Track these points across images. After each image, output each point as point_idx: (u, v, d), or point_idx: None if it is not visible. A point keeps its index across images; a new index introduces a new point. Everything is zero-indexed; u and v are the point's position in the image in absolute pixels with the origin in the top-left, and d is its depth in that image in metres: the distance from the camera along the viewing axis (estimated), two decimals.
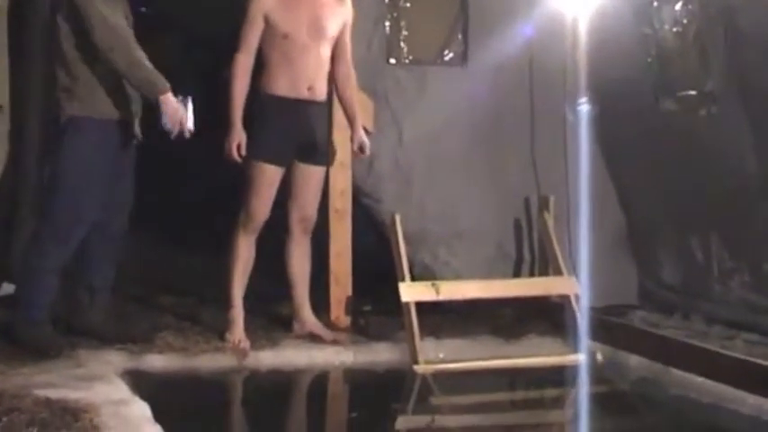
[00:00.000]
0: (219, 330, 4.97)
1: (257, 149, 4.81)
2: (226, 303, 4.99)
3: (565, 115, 5.72)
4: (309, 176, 5.00)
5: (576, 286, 5.33)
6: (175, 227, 7.59)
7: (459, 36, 5.69)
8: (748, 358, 4.41)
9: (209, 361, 4.74)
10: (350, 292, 5.38)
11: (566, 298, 5.32)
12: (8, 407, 3.63)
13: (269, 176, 4.87)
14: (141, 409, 3.81)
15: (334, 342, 5.04)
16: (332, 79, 5.01)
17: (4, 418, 3.51)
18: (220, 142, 4.81)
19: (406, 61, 5.65)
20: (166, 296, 5.74)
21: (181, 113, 4.42)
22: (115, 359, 4.54)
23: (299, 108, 4.86)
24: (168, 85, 4.44)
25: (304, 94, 4.86)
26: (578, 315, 5.20)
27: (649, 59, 5.42)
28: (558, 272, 5.46)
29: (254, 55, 4.84)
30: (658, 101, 5.42)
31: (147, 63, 4.42)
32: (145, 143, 4.74)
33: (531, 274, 5.74)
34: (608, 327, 5.20)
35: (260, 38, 4.82)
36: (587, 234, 5.43)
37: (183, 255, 6.91)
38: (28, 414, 3.57)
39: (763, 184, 4.99)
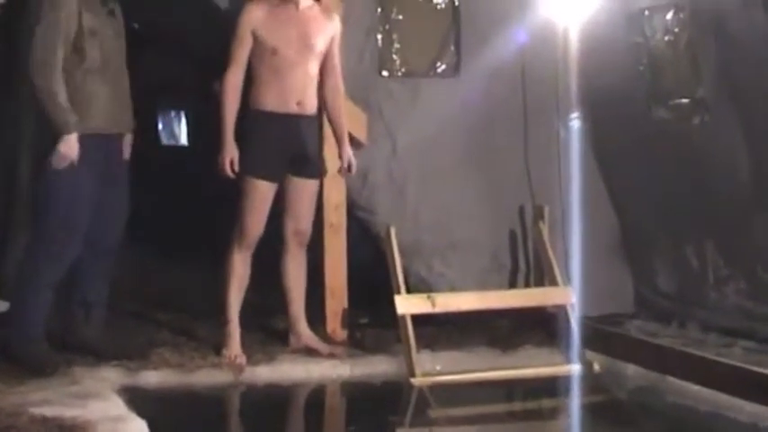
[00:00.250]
0: (216, 346, 4.96)
1: (249, 166, 4.82)
2: (222, 318, 4.98)
3: (558, 124, 5.73)
4: (303, 190, 5.00)
5: (571, 296, 5.32)
6: (171, 242, 7.58)
7: (452, 48, 5.67)
8: (745, 366, 4.40)
9: (206, 376, 4.73)
10: (346, 305, 5.36)
11: (562, 308, 5.31)
12: (4, 425, 3.62)
13: (262, 192, 4.87)
14: (138, 426, 3.80)
15: (331, 355, 5.03)
16: (320, 94, 5.01)
17: None
18: (215, 157, 4.82)
19: (399, 74, 5.61)
20: (162, 312, 5.72)
21: (71, 158, 4.39)
22: (111, 376, 4.53)
23: (289, 123, 4.86)
24: (72, 131, 4.40)
25: (293, 108, 4.86)
26: (574, 325, 5.19)
27: (641, 68, 5.43)
28: (554, 282, 5.45)
29: (243, 71, 4.85)
30: (651, 109, 5.42)
31: (62, 101, 4.40)
32: (141, 157, 4.73)
33: (527, 285, 5.72)
34: (604, 336, 5.20)
35: (249, 54, 4.83)
36: (582, 243, 5.44)
37: (178, 270, 6.90)
38: None
39: (757, 191, 4.99)
